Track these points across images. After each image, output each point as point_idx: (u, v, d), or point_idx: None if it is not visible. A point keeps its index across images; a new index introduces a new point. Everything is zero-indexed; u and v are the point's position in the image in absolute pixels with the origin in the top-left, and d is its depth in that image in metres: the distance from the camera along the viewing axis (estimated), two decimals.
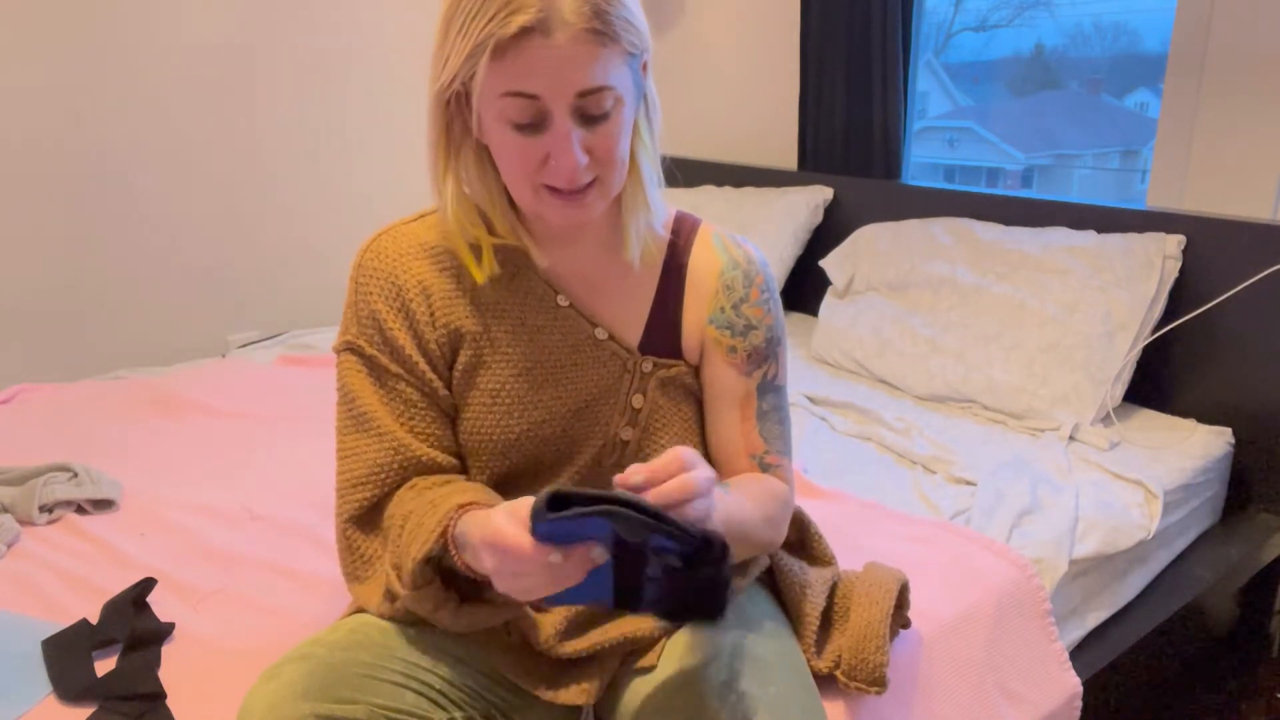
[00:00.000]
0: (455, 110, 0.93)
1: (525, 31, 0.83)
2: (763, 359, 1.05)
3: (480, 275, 1.00)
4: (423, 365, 0.99)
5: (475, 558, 0.83)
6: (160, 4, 2.43)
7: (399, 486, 0.99)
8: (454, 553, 0.88)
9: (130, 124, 2.45)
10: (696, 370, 1.07)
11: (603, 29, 0.84)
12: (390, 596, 0.96)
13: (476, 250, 1.00)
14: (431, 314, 1.00)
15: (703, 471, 0.79)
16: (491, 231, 1.00)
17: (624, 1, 0.87)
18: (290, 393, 2.10)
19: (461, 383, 1.01)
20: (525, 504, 0.76)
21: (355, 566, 1.00)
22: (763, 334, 1.05)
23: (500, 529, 0.76)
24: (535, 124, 0.88)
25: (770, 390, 1.06)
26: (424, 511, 0.91)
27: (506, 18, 0.82)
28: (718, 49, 3.02)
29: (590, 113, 0.88)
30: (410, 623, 0.97)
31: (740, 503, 0.95)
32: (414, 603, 0.92)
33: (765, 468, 1.05)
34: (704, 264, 1.05)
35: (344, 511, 1.00)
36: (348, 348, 1.01)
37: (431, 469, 0.99)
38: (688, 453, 0.79)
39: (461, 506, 0.88)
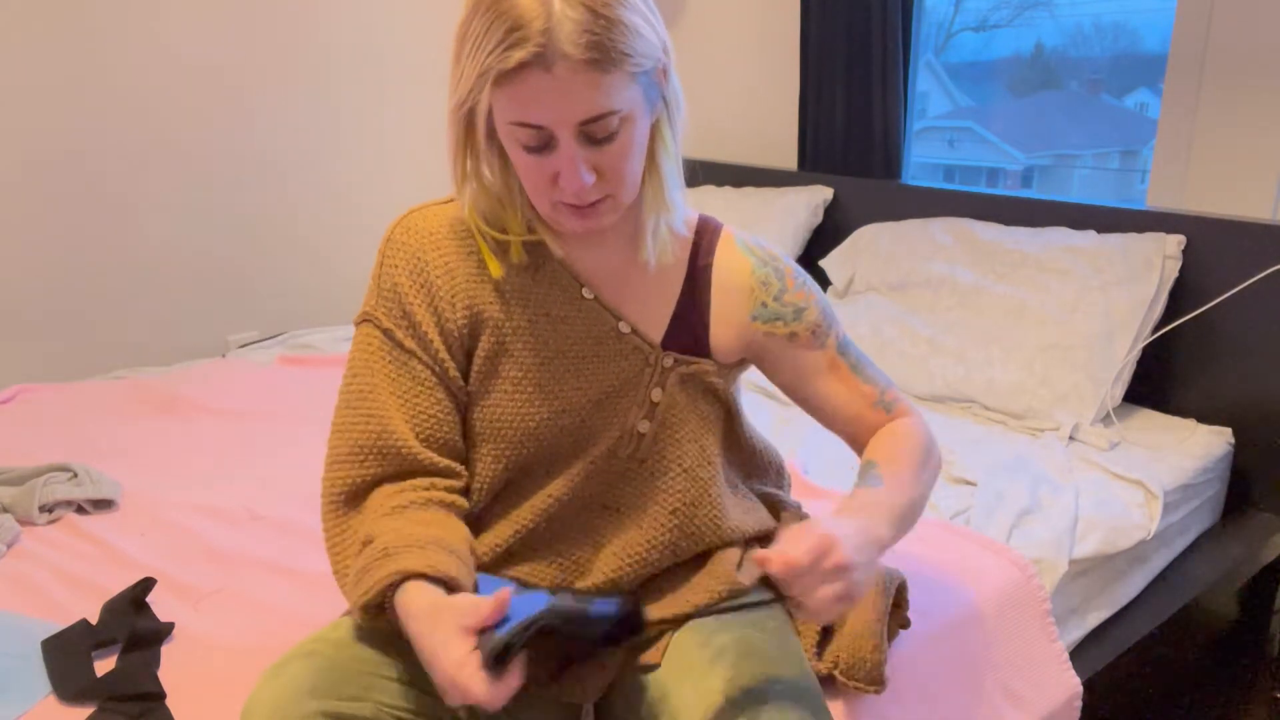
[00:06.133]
0: (472, 119, 0.93)
1: (524, 66, 0.83)
2: (827, 329, 1.09)
3: (497, 269, 1.00)
4: (438, 343, 0.99)
5: (414, 638, 0.84)
6: (161, 3, 2.43)
7: (379, 471, 0.97)
8: (393, 615, 0.88)
9: (130, 124, 2.45)
10: (726, 369, 1.08)
11: (602, 58, 0.84)
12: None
13: (499, 245, 1.01)
14: (454, 294, 1.00)
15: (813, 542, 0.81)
16: (512, 229, 1.01)
17: (625, 22, 0.86)
18: (290, 393, 2.10)
19: (483, 369, 1.01)
20: (461, 621, 0.79)
21: (341, 558, 0.97)
22: (815, 311, 1.08)
23: (456, 674, 0.77)
24: (544, 146, 0.89)
25: (847, 346, 1.10)
26: (374, 554, 0.89)
27: (506, 51, 0.83)
28: (718, 49, 3.03)
29: (596, 136, 0.88)
30: None
31: (898, 491, 0.98)
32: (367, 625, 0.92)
33: (888, 406, 1.10)
34: (732, 266, 1.06)
35: (327, 492, 0.99)
36: (366, 319, 1.02)
37: (410, 462, 0.97)
38: (803, 547, 0.81)
39: (406, 574, 0.87)
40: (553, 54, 0.83)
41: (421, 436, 0.99)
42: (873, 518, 0.92)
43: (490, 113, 0.90)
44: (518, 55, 0.83)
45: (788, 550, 0.80)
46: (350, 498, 0.98)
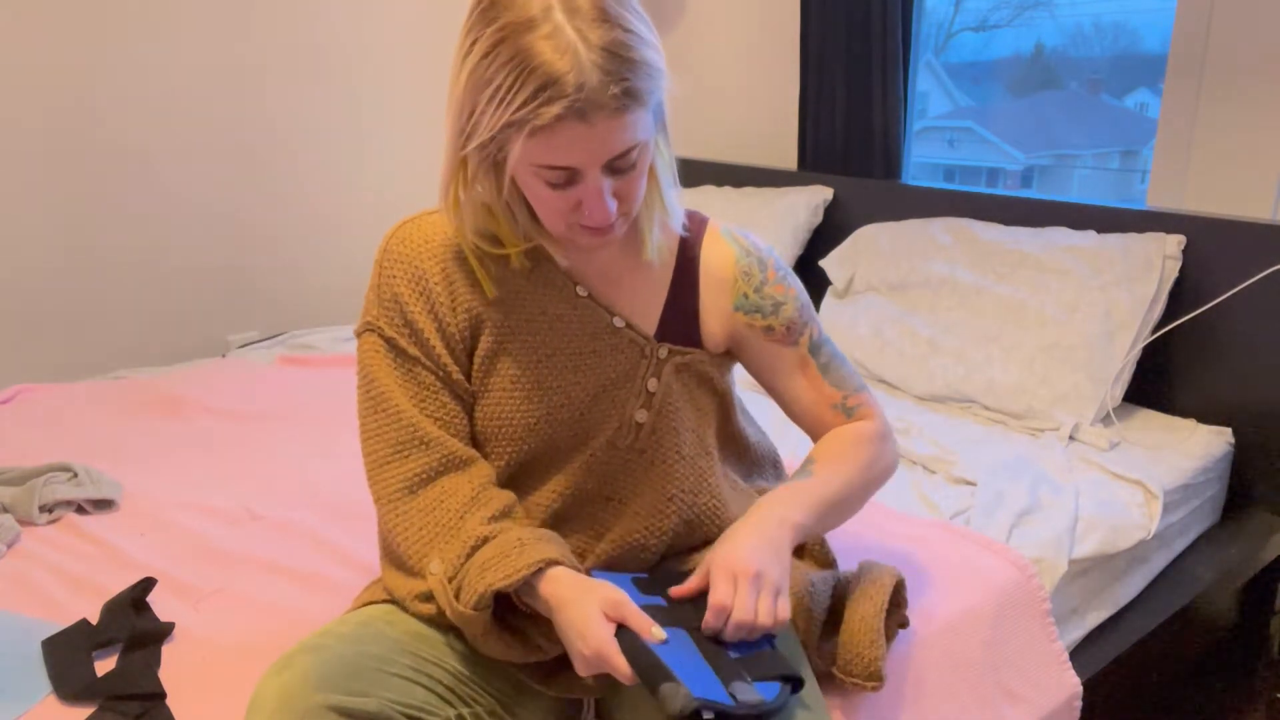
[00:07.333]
0: (487, 156, 0.94)
1: (560, 118, 0.84)
2: (802, 326, 1.11)
3: (491, 291, 1.02)
4: (440, 349, 1.01)
5: (562, 605, 0.90)
6: (163, 4, 2.43)
7: (427, 461, 0.99)
8: (528, 599, 0.93)
9: (131, 124, 2.45)
10: (718, 358, 1.11)
11: (632, 102, 0.87)
12: (426, 598, 0.97)
13: (496, 257, 1.03)
14: (453, 300, 1.02)
15: (726, 584, 0.91)
16: (507, 241, 1.02)
17: (644, 60, 0.87)
18: (290, 393, 2.10)
19: (482, 369, 1.03)
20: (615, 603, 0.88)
21: (414, 545, 0.98)
22: (792, 306, 1.11)
23: (602, 648, 0.85)
24: (568, 182, 0.91)
25: (820, 345, 1.13)
26: (508, 545, 0.93)
27: (541, 107, 0.84)
28: (718, 49, 3.03)
29: (619, 168, 0.91)
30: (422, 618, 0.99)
31: (823, 482, 1.05)
32: (462, 621, 0.93)
33: (849, 410, 1.14)
34: (717, 256, 1.09)
35: (381, 495, 1.00)
36: (368, 328, 1.03)
37: (449, 448, 1.00)
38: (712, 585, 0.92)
39: (550, 561, 0.92)
40: (588, 106, 0.84)
41: None
42: (787, 505, 1.00)
43: (511, 159, 0.91)
44: (554, 110, 0.84)
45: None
46: (408, 491, 0.99)
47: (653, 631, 0.86)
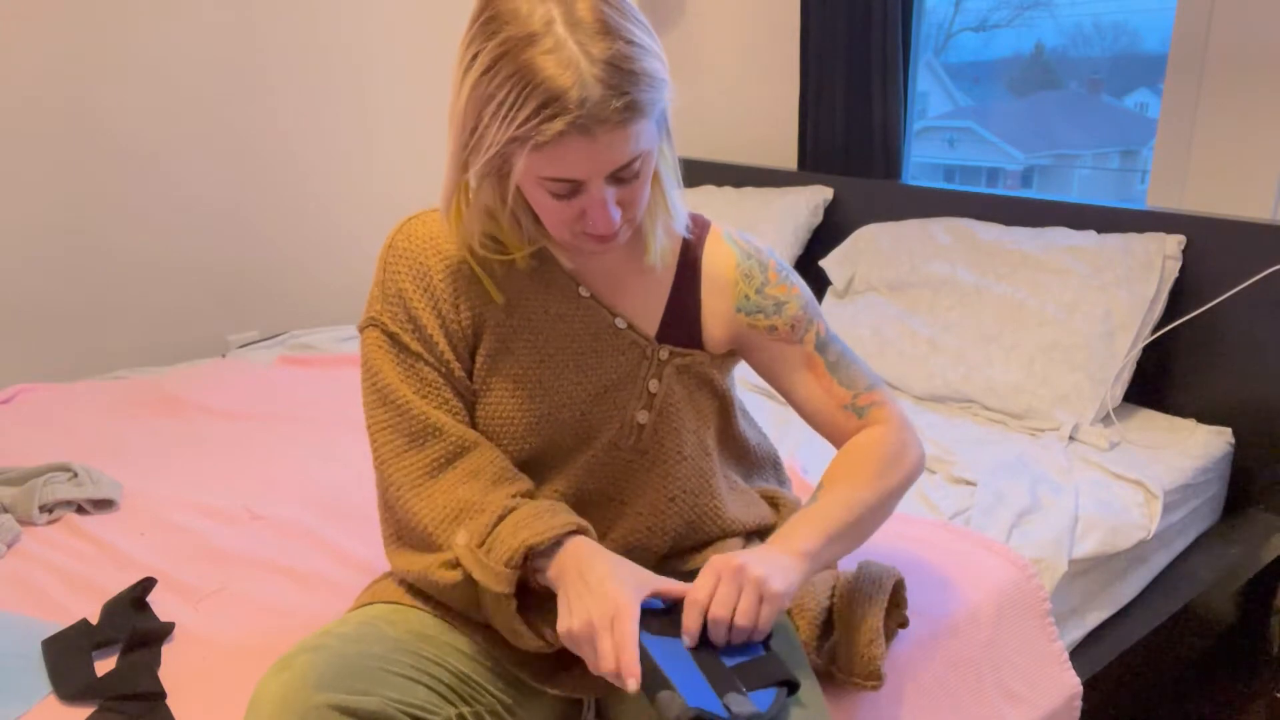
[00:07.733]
0: (491, 169, 0.94)
1: (563, 134, 0.84)
2: (807, 324, 1.10)
3: (499, 297, 1.02)
4: (443, 345, 1.02)
5: (591, 565, 0.90)
6: (165, 5, 2.43)
7: (443, 448, 1.00)
8: (544, 565, 0.93)
9: (131, 123, 2.45)
10: (719, 359, 1.11)
11: (634, 115, 0.86)
12: (451, 565, 0.97)
13: (500, 261, 1.04)
14: (457, 297, 1.02)
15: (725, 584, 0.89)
16: (511, 245, 1.03)
17: (647, 72, 0.87)
18: (290, 393, 2.11)
19: (484, 368, 1.03)
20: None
21: (441, 525, 0.99)
22: (795, 305, 1.10)
23: (621, 623, 0.85)
24: (573, 193, 0.91)
25: (827, 343, 1.12)
26: (541, 509, 0.95)
27: (543, 124, 0.84)
28: (718, 49, 3.03)
29: (623, 177, 0.91)
30: (427, 610, 1.00)
31: (828, 505, 1.01)
32: (491, 579, 0.92)
33: (860, 411, 1.11)
34: (719, 259, 1.10)
35: (403, 482, 1.00)
36: (371, 324, 1.03)
37: (462, 433, 1.01)
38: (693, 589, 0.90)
39: (579, 527, 0.94)
40: (591, 121, 0.84)
41: None
42: (793, 534, 0.98)
43: (515, 171, 0.91)
44: (557, 127, 0.84)
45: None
46: (429, 475, 1.00)
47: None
